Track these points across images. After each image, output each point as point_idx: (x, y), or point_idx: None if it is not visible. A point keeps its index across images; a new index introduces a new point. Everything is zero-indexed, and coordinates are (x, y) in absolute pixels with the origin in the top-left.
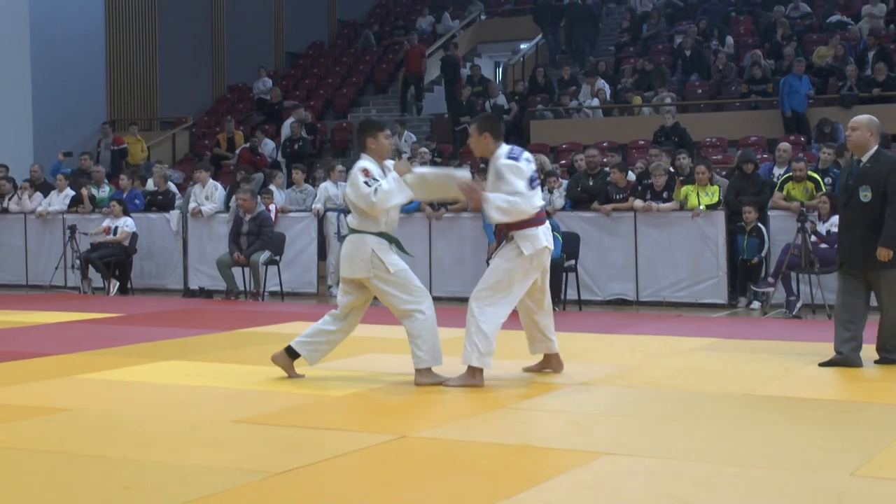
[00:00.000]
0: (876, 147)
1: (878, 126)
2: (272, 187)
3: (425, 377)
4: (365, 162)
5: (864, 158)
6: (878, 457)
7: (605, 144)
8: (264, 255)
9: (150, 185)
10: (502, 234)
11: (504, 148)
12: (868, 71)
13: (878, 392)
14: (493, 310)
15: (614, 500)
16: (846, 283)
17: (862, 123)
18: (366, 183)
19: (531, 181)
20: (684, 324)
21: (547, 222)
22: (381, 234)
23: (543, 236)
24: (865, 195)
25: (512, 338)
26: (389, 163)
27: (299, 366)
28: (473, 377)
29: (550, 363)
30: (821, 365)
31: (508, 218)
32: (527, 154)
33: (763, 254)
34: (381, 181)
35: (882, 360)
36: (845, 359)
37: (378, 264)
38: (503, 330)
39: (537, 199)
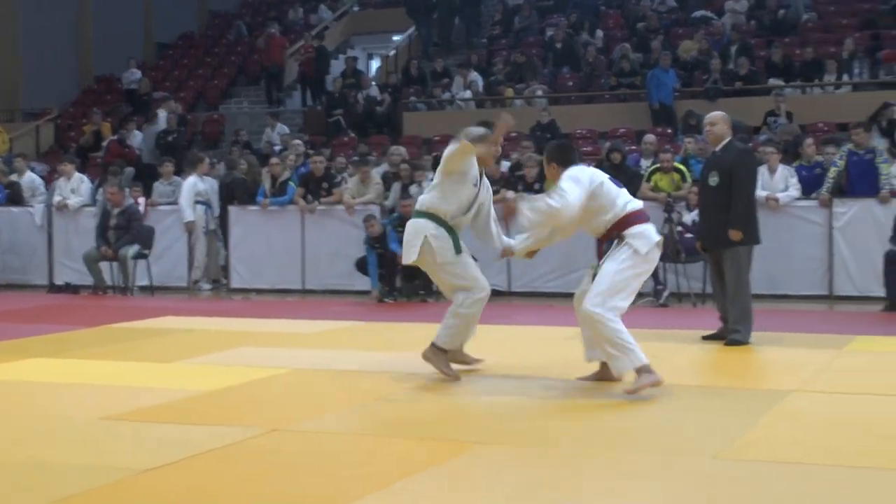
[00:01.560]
0: (729, 138)
1: (730, 119)
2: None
3: (433, 356)
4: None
5: (718, 149)
6: (741, 440)
7: None
8: (133, 249)
9: (15, 178)
10: (609, 237)
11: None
12: (731, 65)
13: (740, 378)
14: (613, 304)
15: (485, 489)
16: (712, 265)
17: (719, 118)
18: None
19: (603, 184)
20: (556, 314)
21: (650, 222)
22: (442, 222)
23: (654, 232)
24: (713, 180)
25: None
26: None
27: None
28: (647, 375)
29: (607, 373)
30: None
31: (539, 220)
32: (593, 169)
33: None
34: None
35: (730, 342)
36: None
37: (429, 251)
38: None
39: (622, 200)
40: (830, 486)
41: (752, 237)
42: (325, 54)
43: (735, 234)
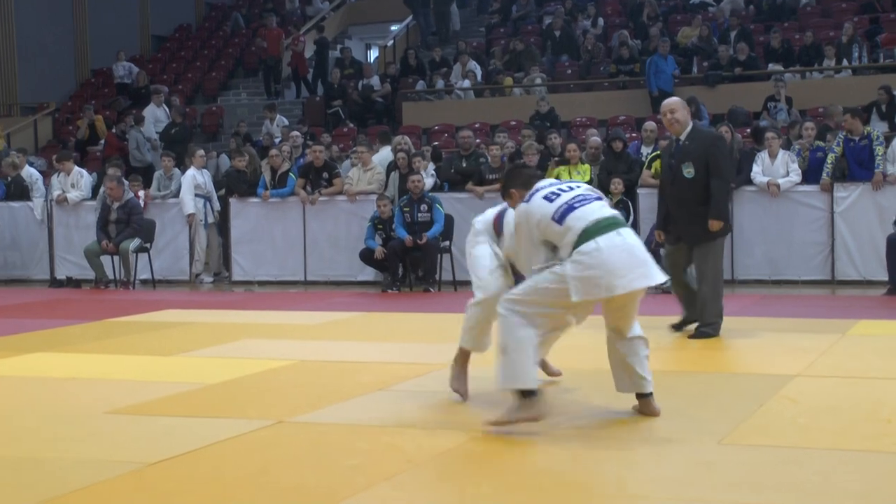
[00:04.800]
0: (691, 124)
1: (690, 103)
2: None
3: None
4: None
5: (683, 137)
6: (745, 425)
7: (476, 125)
8: (134, 243)
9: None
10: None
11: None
12: (731, 50)
13: (743, 364)
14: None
15: (490, 479)
16: (675, 255)
17: (678, 104)
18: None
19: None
20: None
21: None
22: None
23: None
24: (689, 171)
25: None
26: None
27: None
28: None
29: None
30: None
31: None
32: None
33: (629, 224)
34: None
35: (698, 335)
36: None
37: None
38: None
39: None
40: (835, 470)
41: (729, 226)
42: (325, 45)
43: (717, 225)
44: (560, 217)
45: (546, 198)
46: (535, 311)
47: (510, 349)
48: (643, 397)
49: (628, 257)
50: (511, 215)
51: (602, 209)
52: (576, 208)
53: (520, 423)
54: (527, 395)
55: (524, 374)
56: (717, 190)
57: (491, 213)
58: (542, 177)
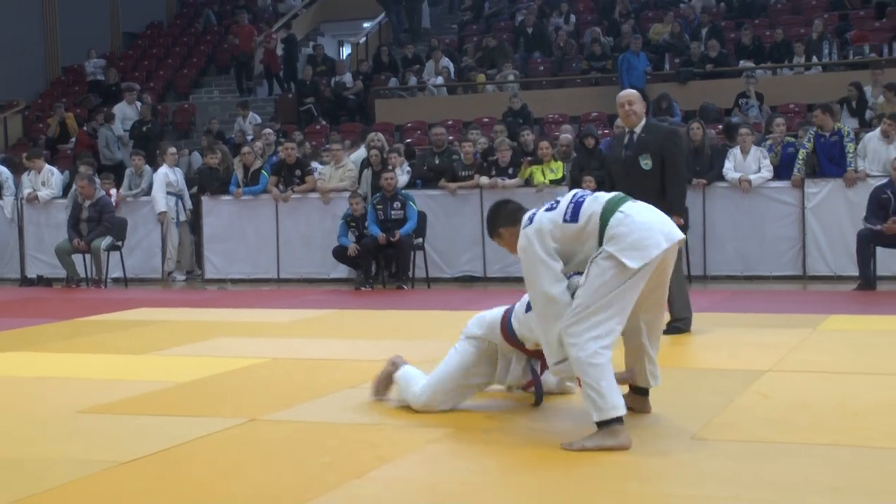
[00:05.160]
0: (645, 119)
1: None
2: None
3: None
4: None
5: (638, 129)
6: (717, 420)
7: (449, 122)
8: (106, 241)
9: None
10: None
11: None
12: (702, 47)
13: (715, 359)
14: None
15: (462, 474)
16: None
17: (636, 97)
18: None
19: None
20: None
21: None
22: None
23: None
24: (646, 163)
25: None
26: None
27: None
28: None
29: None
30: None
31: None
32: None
33: None
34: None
35: (670, 330)
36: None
37: None
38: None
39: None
40: (805, 464)
41: (688, 222)
42: (293, 43)
43: (677, 221)
44: (572, 215)
45: (548, 209)
46: (601, 317)
47: (592, 379)
48: (641, 393)
49: (653, 215)
50: (519, 310)
51: (605, 194)
52: (582, 202)
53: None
54: (611, 422)
55: (613, 403)
56: (675, 186)
57: (491, 315)
58: (524, 208)
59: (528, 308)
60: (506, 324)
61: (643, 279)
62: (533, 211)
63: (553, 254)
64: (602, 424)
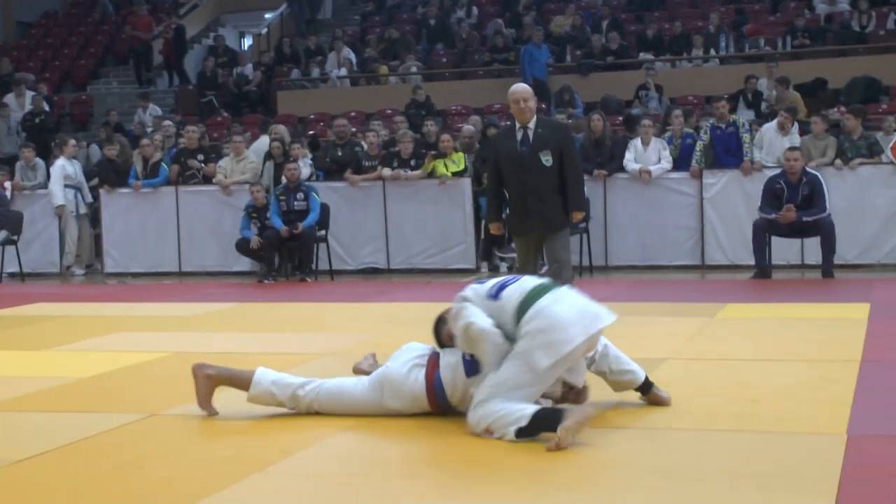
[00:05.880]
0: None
1: None
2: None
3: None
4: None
5: (532, 125)
6: (616, 408)
7: (352, 114)
8: (1, 235)
9: None
10: None
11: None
12: (603, 40)
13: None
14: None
15: (368, 465)
16: (527, 246)
17: (530, 94)
18: None
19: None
20: (434, 290)
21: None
22: None
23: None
24: (547, 159)
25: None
26: None
27: None
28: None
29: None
30: None
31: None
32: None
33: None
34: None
35: None
36: None
37: None
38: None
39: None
40: (702, 450)
41: (589, 214)
42: (182, 33)
43: (579, 216)
44: (496, 293)
45: (478, 282)
46: (510, 397)
47: (497, 423)
48: (647, 391)
49: (572, 309)
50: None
51: (536, 280)
52: (508, 285)
53: (584, 427)
54: (540, 420)
55: (517, 416)
56: (575, 181)
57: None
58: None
59: (470, 368)
60: (433, 387)
61: (556, 370)
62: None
63: (482, 313)
64: (531, 428)
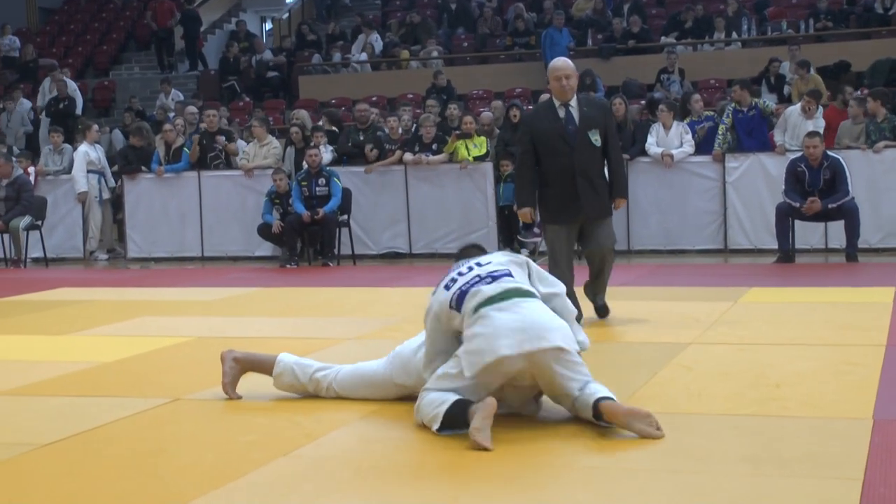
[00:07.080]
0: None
1: None
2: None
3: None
4: None
5: (574, 103)
6: (640, 392)
7: (374, 98)
8: (25, 221)
9: None
10: None
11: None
12: (624, 23)
13: (639, 332)
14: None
15: (385, 450)
16: (568, 234)
17: (572, 69)
18: None
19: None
20: None
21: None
22: None
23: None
24: (596, 139)
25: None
26: None
27: None
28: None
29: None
30: None
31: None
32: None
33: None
34: None
35: (606, 311)
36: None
37: None
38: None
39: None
40: (725, 434)
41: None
42: (191, 19)
43: (622, 203)
44: (457, 303)
45: (446, 286)
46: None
47: (424, 418)
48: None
49: (517, 319)
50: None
51: (501, 285)
52: (467, 291)
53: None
54: (450, 420)
55: (433, 416)
56: (619, 164)
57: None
58: (479, 252)
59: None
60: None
61: (487, 379)
62: (447, 273)
63: (437, 341)
64: (444, 427)
